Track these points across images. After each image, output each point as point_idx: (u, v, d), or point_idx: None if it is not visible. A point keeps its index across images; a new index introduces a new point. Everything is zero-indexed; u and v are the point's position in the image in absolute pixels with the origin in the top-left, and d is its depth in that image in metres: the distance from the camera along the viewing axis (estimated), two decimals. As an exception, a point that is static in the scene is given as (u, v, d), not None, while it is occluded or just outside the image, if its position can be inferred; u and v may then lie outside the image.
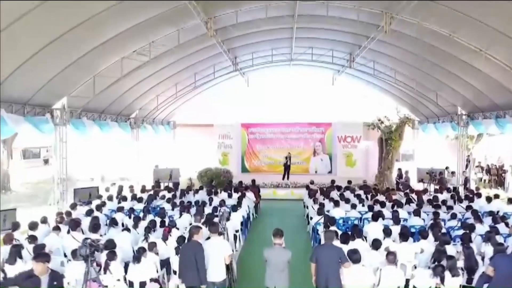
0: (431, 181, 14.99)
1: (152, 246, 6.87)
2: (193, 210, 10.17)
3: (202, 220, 8.40)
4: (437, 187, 14.30)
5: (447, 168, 16.73)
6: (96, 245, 4.93)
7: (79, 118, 12.34)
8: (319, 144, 21.46)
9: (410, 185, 14.15)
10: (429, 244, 7.33)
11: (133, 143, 16.52)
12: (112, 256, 6.24)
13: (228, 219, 8.77)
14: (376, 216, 8.78)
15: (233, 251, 6.58)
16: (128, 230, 8.09)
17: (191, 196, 12.91)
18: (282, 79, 21.52)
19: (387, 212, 9.86)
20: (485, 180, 20.49)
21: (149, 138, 18.48)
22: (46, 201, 14.08)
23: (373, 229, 8.31)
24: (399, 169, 17.05)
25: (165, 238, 7.48)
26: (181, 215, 9.70)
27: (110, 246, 6.56)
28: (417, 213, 9.61)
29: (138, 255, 6.30)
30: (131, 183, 15.13)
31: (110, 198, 11.70)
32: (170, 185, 15.44)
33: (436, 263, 6.42)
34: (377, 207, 10.35)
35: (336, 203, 10.27)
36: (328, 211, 10.10)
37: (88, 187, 12.98)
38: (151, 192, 12.89)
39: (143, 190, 13.07)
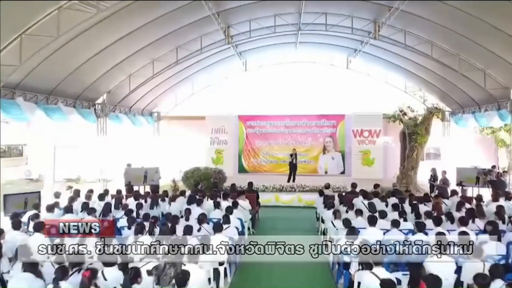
0: (484, 184, 11.65)
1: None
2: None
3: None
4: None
5: (493, 167, 13.37)
6: None
7: (11, 98, 9.07)
8: (330, 139, 18.35)
9: (456, 190, 10.82)
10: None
11: (99, 135, 13.16)
12: None
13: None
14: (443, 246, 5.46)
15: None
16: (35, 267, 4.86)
17: (166, 205, 9.61)
18: (286, 62, 18.71)
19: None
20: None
21: (125, 131, 15.45)
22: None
23: (443, 270, 5.01)
24: (433, 169, 13.74)
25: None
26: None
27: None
28: (495, 234, 6.31)
29: None
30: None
31: (50, 208, 8.40)
32: (147, 189, 12.20)
33: None
34: (428, 223, 7.06)
35: (372, 220, 6.84)
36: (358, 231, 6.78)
37: (25, 192, 9.66)
38: (112, 200, 9.58)
39: (102, 196, 9.70)
